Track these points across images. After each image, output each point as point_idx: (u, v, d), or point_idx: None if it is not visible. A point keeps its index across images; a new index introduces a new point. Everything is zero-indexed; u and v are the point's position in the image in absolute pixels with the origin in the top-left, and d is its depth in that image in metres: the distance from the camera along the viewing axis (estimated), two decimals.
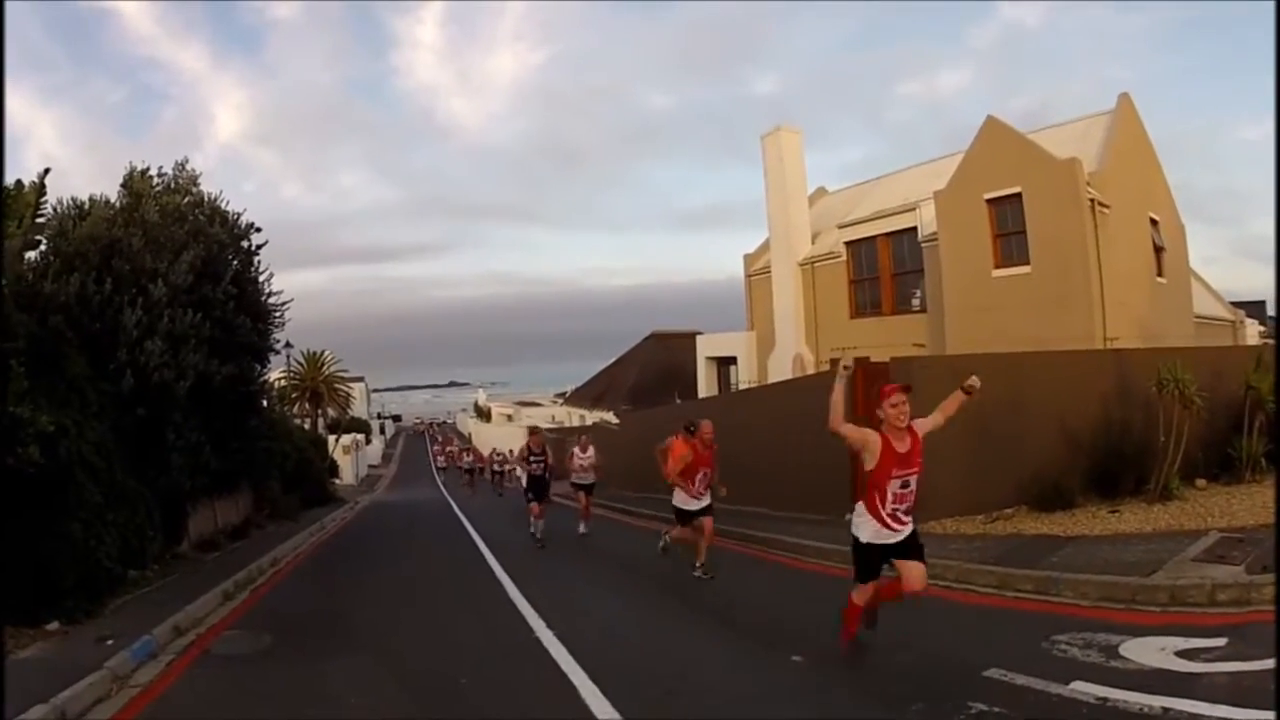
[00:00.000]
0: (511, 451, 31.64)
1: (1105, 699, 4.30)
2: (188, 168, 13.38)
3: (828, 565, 9.26)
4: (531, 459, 13.30)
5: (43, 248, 10.32)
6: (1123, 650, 5.06)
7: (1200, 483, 10.50)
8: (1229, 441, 10.89)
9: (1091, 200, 17.05)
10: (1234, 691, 4.17)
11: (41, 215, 9.74)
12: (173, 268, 11.18)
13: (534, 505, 13.07)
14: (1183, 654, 4.87)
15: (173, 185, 12.95)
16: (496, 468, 31.76)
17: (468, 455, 36.07)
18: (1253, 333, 25.70)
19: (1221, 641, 5.01)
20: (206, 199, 13.34)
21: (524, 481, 13.55)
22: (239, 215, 13.68)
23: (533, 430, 14.56)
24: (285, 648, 6.87)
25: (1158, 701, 4.14)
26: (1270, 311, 29.02)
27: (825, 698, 4.87)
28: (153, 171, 12.79)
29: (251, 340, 13.51)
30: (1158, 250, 19.92)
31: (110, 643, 6.30)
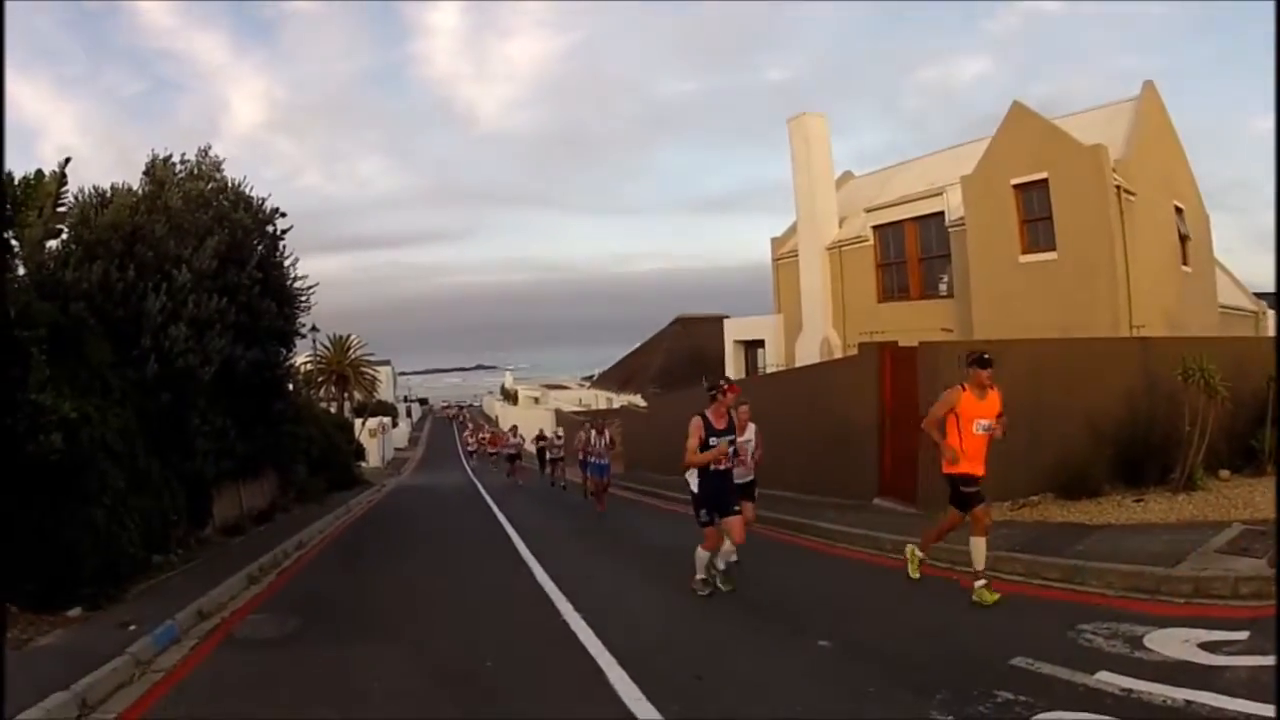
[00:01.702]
0: (559, 434, 26.86)
1: (1130, 690, 4.27)
2: (211, 154, 13.46)
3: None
4: (721, 438, 7.12)
5: (64, 236, 10.39)
6: (1147, 641, 5.04)
7: (1224, 474, 10.37)
8: (1252, 433, 10.72)
9: (1117, 187, 16.78)
10: (1253, 686, 4.14)
11: (62, 204, 9.83)
12: (197, 253, 11.22)
13: (732, 519, 7.14)
14: (1205, 646, 4.83)
15: (196, 172, 13.02)
16: (551, 454, 25.23)
17: (513, 436, 28.84)
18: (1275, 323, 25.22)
19: (1244, 635, 4.96)
20: (230, 184, 13.42)
21: (693, 485, 7.27)
22: (263, 200, 13.79)
23: (727, 386, 7.31)
24: (310, 632, 6.88)
25: (1180, 694, 4.12)
26: None
27: (852, 684, 4.84)
28: (175, 159, 12.83)
29: (277, 324, 13.61)
30: (1182, 239, 19.57)
31: (133, 628, 6.29)
